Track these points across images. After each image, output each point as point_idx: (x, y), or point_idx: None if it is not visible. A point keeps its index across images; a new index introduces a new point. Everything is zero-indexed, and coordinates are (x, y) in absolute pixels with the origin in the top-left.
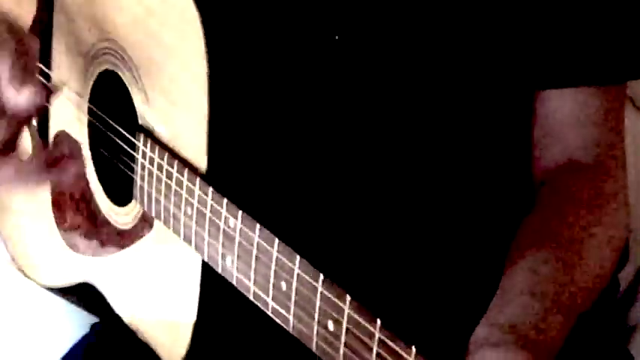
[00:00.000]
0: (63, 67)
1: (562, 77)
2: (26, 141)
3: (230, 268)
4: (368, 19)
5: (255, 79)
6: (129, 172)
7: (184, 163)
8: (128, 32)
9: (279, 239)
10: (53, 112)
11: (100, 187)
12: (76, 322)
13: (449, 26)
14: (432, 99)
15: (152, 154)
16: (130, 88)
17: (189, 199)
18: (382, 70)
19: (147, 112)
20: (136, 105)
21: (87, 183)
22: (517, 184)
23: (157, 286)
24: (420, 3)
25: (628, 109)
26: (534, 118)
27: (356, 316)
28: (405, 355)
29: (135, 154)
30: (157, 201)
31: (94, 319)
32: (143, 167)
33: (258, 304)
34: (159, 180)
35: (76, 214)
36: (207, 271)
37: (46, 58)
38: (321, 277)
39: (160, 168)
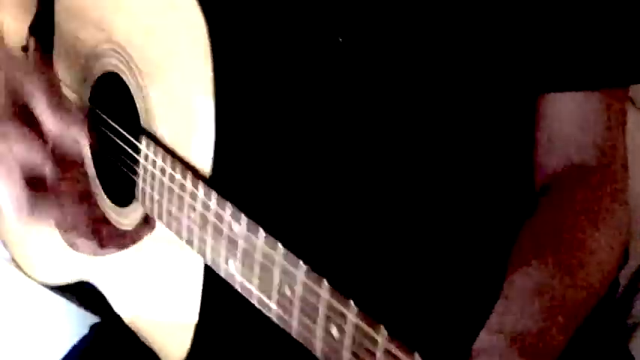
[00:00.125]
0: (63, 67)
1: (566, 81)
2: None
3: (233, 272)
4: (372, 21)
5: (260, 83)
6: (130, 174)
7: (188, 166)
8: (131, 34)
9: (283, 244)
10: None
11: (100, 188)
12: (75, 322)
13: (452, 29)
14: (434, 101)
15: (155, 157)
16: (132, 90)
17: (193, 203)
18: (386, 72)
19: (150, 115)
20: (138, 107)
21: (87, 183)
22: (519, 188)
23: (158, 287)
24: (424, 6)
25: (629, 110)
26: (537, 121)
27: (360, 323)
28: None
29: (137, 156)
30: (159, 203)
31: (93, 319)
32: (145, 170)
33: (261, 309)
34: (161, 183)
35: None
36: (210, 272)
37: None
38: (326, 283)
39: (162, 171)
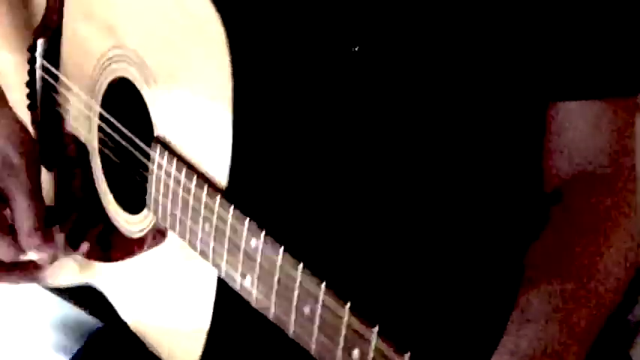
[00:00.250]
0: (72, 71)
1: (576, 89)
2: None
3: (249, 287)
4: (386, 30)
5: (278, 95)
6: (141, 181)
7: (203, 177)
8: (145, 41)
9: (297, 255)
10: (65, 116)
11: (109, 194)
12: (76, 325)
13: (464, 39)
14: (446, 109)
15: (169, 167)
16: (145, 97)
17: (208, 215)
18: (401, 82)
19: (164, 123)
20: (152, 115)
21: (94, 188)
22: (528, 195)
23: (168, 293)
24: (438, 15)
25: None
26: (547, 129)
27: (382, 347)
28: None
29: (149, 164)
30: (172, 214)
31: (95, 322)
32: (158, 178)
33: (279, 326)
34: (175, 193)
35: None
36: (223, 282)
37: (55, 58)
38: (348, 305)
39: (177, 181)
